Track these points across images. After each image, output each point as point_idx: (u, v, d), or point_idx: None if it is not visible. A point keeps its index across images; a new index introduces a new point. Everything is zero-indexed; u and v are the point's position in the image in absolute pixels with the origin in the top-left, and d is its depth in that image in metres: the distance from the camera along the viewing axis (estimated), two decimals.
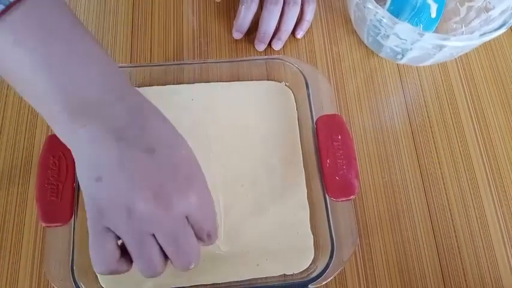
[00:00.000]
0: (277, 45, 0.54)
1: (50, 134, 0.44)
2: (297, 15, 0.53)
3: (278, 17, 0.52)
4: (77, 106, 0.28)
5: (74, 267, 0.39)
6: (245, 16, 0.53)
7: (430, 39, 0.44)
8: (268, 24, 0.52)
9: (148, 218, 0.28)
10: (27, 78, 0.28)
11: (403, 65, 0.54)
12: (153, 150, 0.28)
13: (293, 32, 0.55)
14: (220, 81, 0.51)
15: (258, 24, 0.53)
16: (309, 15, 0.54)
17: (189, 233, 0.30)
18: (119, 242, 0.30)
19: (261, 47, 0.54)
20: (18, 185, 0.46)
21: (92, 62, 0.30)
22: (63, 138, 0.30)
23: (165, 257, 0.31)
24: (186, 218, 0.30)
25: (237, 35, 0.54)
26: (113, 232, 0.29)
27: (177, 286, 0.42)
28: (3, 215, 0.45)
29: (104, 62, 0.31)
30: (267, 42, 0.54)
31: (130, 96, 0.30)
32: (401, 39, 0.46)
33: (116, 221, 0.28)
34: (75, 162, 0.30)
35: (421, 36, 0.44)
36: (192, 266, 0.31)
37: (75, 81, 0.28)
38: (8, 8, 0.27)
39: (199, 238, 0.32)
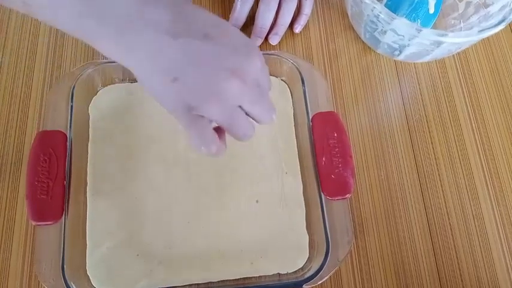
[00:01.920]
0: (274, 40, 0.53)
1: (40, 130, 0.43)
2: (294, 9, 0.52)
3: (275, 11, 0.52)
4: (122, 21, 0.29)
5: (65, 267, 0.39)
6: (241, 10, 0.52)
7: (428, 35, 0.43)
8: (265, 18, 0.51)
9: (232, 93, 0.30)
10: (63, 6, 0.28)
11: (400, 61, 0.54)
12: (207, 35, 0.30)
13: (291, 27, 0.54)
14: None
15: (254, 18, 0.52)
16: (307, 9, 0.53)
17: (264, 93, 0.33)
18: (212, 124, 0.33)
19: (257, 41, 0.53)
20: (9, 182, 0.46)
21: None
22: (118, 58, 0.30)
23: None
24: None
25: None
26: (205, 117, 0.31)
27: (170, 285, 0.41)
28: None
29: None
30: (264, 37, 0.53)
31: None
32: (398, 35, 0.45)
33: (205, 107, 0.30)
34: (137, 81, 0.30)
35: (419, 32, 0.43)
36: (274, 117, 0.34)
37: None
38: None
39: None
